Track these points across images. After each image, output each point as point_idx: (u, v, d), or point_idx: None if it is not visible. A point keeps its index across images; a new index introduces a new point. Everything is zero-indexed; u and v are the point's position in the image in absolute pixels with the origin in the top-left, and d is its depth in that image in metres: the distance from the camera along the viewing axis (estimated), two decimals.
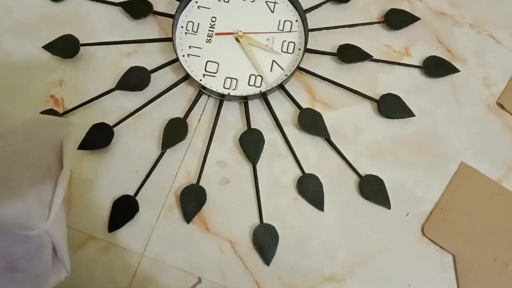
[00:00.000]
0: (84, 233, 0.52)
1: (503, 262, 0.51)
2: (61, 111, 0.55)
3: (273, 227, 0.52)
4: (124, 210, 0.52)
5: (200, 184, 0.53)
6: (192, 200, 0.52)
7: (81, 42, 0.57)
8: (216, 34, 0.57)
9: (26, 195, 0.35)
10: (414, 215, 0.53)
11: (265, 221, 0.52)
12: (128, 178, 0.53)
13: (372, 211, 0.53)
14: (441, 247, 0.52)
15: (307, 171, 0.53)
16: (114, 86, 0.55)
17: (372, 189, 0.53)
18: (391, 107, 0.55)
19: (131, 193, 0.52)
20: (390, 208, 0.53)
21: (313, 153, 0.55)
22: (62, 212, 0.39)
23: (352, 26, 0.58)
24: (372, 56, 0.57)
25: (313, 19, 0.58)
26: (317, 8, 0.59)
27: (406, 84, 0.57)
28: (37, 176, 0.37)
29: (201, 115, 0.56)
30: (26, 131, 0.38)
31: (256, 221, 0.52)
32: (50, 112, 0.54)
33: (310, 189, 0.53)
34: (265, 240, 0.51)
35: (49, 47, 0.56)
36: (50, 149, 0.39)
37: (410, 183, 0.54)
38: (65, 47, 0.56)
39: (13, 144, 0.37)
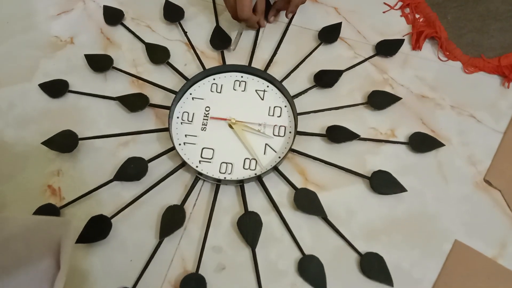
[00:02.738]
0: None
1: None
2: (58, 201, 0.56)
3: None
4: None
5: (199, 272, 0.52)
6: None
7: (80, 134, 0.59)
8: (211, 118, 0.60)
9: None
10: None
11: None
12: (124, 268, 0.53)
13: None
14: None
15: (305, 252, 0.53)
16: (112, 177, 0.56)
17: (374, 267, 0.53)
18: (383, 183, 0.57)
19: (128, 285, 0.51)
20: (393, 286, 0.52)
21: (309, 233, 0.55)
22: None
23: (338, 109, 0.62)
24: (360, 136, 0.59)
25: (301, 104, 0.61)
26: (304, 93, 0.63)
27: (394, 164, 0.59)
28: (34, 281, 0.37)
29: (196, 200, 0.57)
30: (26, 235, 0.39)
31: None
32: (48, 207, 0.54)
33: (311, 271, 0.53)
34: None
35: (48, 143, 0.58)
36: (48, 251, 0.39)
37: (406, 264, 0.53)
38: (64, 142, 0.58)
39: (14, 250, 0.37)
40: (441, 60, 0.67)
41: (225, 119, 0.60)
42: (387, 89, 0.64)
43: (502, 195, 0.57)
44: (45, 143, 0.58)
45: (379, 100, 0.62)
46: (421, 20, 0.70)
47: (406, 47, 0.68)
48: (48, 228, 0.39)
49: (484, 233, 0.55)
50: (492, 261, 0.54)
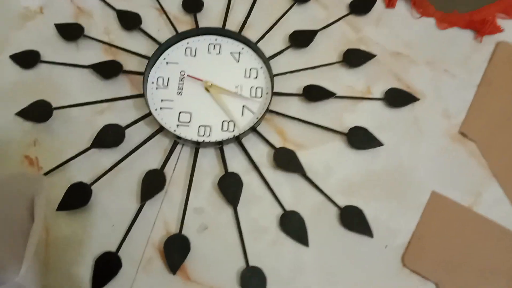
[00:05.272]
0: None
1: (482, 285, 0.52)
2: (36, 171, 0.55)
3: (260, 269, 0.51)
4: (106, 267, 0.51)
5: (182, 233, 0.53)
6: (176, 251, 0.52)
7: (54, 103, 0.58)
8: (188, 76, 0.60)
9: None
10: (393, 247, 0.53)
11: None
12: (106, 233, 0.53)
13: (352, 246, 0.53)
14: (423, 277, 0.52)
15: (286, 208, 0.54)
16: (89, 144, 0.56)
17: (353, 219, 0.54)
18: (360, 138, 0.58)
19: (112, 249, 0.52)
20: (372, 236, 0.53)
21: (289, 191, 0.56)
22: (36, 267, 0.39)
23: (313, 68, 0.62)
24: (336, 94, 0.60)
25: (277, 65, 0.61)
26: (279, 54, 0.63)
27: (370, 120, 0.59)
28: (8, 232, 0.37)
29: (175, 164, 0.57)
30: (1, 189, 0.39)
31: (241, 265, 0.52)
32: None
33: (293, 226, 0.54)
34: (253, 283, 0.51)
35: (22, 114, 0.58)
36: (22, 205, 0.40)
37: (385, 216, 0.55)
38: (38, 112, 0.58)
39: None
40: (414, 17, 0.67)
41: (201, 80, 0.60)
42: (362, 47, 0.64)
43: (477, 146, 0.59)
44: (20, 113, 0.58)
45: (354, 58, 0.63)
46: None
47: (380, 5, 0.68)
48: (20, 183, 0.39)
49: (460, 183, 0.57)
50: (468, 209, 0.56)
